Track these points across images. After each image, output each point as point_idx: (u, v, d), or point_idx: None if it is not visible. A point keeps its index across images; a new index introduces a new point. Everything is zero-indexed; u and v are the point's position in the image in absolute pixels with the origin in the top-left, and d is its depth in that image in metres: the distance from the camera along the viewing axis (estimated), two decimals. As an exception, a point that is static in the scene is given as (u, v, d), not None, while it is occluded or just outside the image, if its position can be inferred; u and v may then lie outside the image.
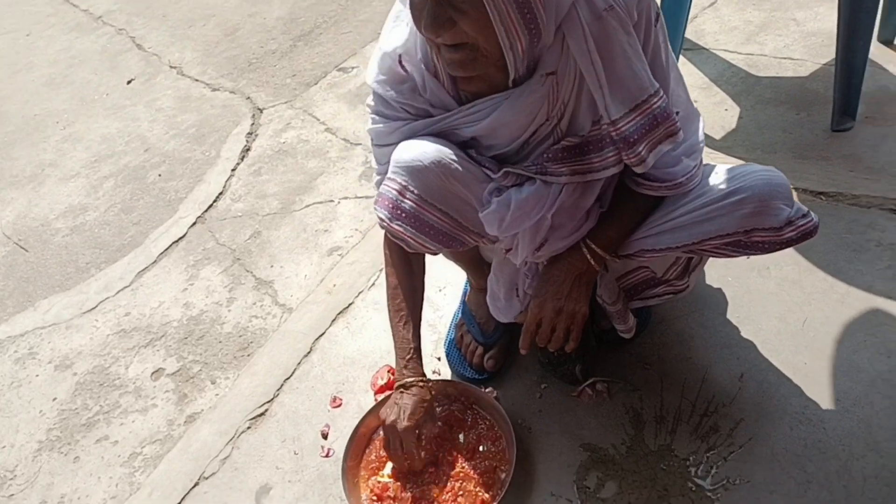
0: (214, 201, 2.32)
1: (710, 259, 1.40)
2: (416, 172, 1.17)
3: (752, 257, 1.36)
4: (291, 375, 1.67)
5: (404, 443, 1.31)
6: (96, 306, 2.06)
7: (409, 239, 1.21)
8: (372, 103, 1.26)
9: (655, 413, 1.40)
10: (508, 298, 1.37)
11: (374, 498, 1.36)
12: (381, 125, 1.25)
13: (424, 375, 1.37)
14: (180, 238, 2.22)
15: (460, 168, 1.18)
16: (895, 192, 1.69)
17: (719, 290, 1.57)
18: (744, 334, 1.48)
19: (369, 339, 1.69)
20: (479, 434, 1.43)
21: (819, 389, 1.36)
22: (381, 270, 1.86)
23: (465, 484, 1.35)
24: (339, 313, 1.77)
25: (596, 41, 1.05)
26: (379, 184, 1.30)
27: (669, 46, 1.16)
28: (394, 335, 1.38)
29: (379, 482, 1.38)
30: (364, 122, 2.48)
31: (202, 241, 2.18)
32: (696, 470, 1.30)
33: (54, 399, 1.83)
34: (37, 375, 1.89)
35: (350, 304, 1.79)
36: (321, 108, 2.59)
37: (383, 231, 1.37)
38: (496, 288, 1.39)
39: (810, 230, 1.15)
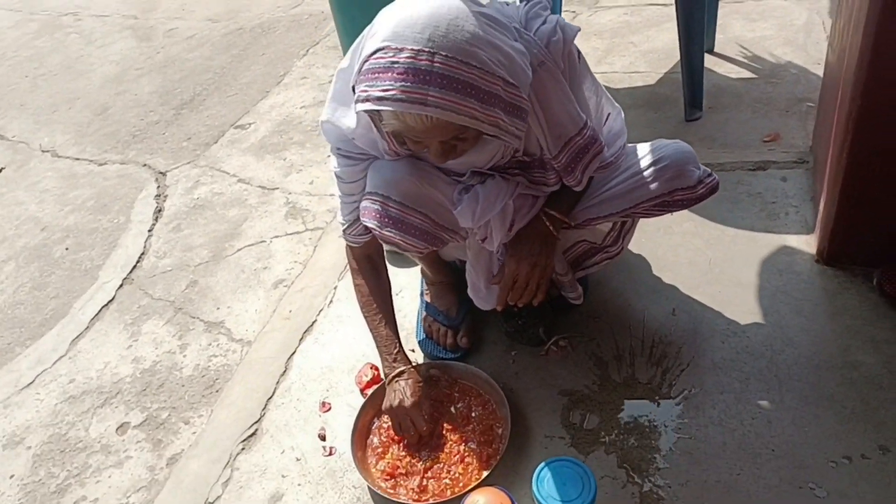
0: (138, 262, 2.33)
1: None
2: (394, 183, 1.34)
3: (656, 220, 1.64)
4: (273, 394, 1.74)
5: (414, 419, 1.46)
6: (33, 381, 1.99)
7: (399, 241, 1.37)
8: (338, 147, 1.39)
9: (614, 353, 1.63)
10: (488, 287, 1.56)
11: (388, 477, 1.47)
12: (348, 167, 1.40)
13: (411, 363, 1.53)
14: (109, 301, 2.20)
15: (431, 174, 1.37)
16: (747, 157, 2.10)
17: (639, 254, 1.86)
18: (666, 280, 1.77)
19: (342, 348, 1.80)
20: (468, 402, 1.58)
21: (736, 309, 1.66)
22: (335, 289, 1.98)
23: (468, 445, 1.50)
24: (304, 332, 1.87)
25: (535, 91, 1.26)
26: (348, 220, 1.47)
27: (591, 72, 1.40)
28: (375, 336, 1.54)
29: (388, 463, 1.49)
30: (276, 168, 2.62)
31: (135, 300, 2.18)
32: (658, 389, 1.54)
33: (12, 476, 1.74)
34: (-17, 459, 1.80)
35: (314, 322, 1.89)
36: (228, 163, 2.68)
37: (346, 245, 1.55)
38: (476, 280, 1.57)
39: (715, 185, 1.44)
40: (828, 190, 1.63)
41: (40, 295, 2.30)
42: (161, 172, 2.74)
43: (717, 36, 2.69)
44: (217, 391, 1.83)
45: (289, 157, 2.66)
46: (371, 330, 1.55)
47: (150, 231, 2.45)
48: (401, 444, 1.53)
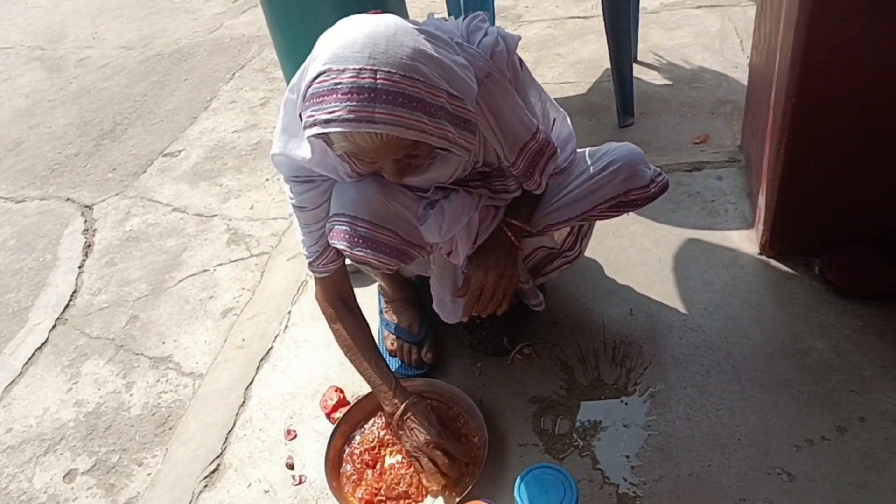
0: (70, 300, 2.21)
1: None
2: (361, 203, 1.32)
3: (605, 222, 1.68)
4: (233, 427, 1.67)
5: (446, 449, 1.42)
6: (-36, 435, 1.86)
7: (371, 260, 1.34)
8: (294, 176, 1.36)
9: (578, 357, 1.65)
10: (454, 300, 1.55)
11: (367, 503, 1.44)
12: (308, 192, 1.37)
13: (411, 395, 1.49)
14: (43, 344, 2.07)
15: (396, 191, 1.36)
16: (682, 158, 2.18)
17: (591, 258, 1.89)
18: (620, 282, 1.81)
19: (303, 373, 1.75)
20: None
21: (689, 305, 1.71)
22: (289, 313, 1.93)
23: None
24: (261, 360, 1.81)
25: (485, 103, 1.27)
26: (315, 252, 1.43)
27: (534, 78, 1.41)
28: (369, 377, 1.50)
29: (366, 490, 1.45)
30: (212, 195, 2.54)
31: (71, 340, 2.06)
32: (624, 389, 1.56)
33: (-52, 540, 1.62)
34: (-84, 523, 1.66)
35: (270, 349, 1.83)
36: (160, 192, 2.58)
37: (315, 292, 1.52)
38: (441, 294, 1.56)
39: (666, 183, 1.48)
40: (766, 186, 1.71)
41: (-37, 344, 2.14)
42: (87, 206, 2.61)
43: (639, 45, 2.79)
44: (170, 428, 1.75)
45: (225, 182, 2.58)
46: (361, 374, 1.51)
47: (80, 268, 2.33)
48: (374, 470, 1.49)
